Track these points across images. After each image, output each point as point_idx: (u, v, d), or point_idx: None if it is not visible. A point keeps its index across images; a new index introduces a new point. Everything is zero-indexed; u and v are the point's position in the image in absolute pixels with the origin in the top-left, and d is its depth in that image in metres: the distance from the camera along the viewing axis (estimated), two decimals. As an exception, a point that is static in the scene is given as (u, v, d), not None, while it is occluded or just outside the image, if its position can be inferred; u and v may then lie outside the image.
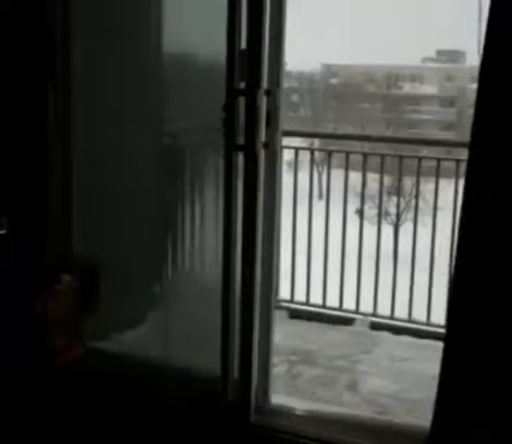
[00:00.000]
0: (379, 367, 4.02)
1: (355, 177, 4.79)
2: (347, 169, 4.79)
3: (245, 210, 2.84)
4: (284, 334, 3.79)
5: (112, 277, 3.19)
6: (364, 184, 4.81)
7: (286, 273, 4.80)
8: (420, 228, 4.73)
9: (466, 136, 2.31)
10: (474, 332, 2.35)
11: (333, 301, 4.77)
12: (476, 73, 2.28)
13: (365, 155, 4.78)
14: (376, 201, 5.09)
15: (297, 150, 4.90)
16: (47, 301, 3.05)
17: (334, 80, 11.20)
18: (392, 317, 4.62)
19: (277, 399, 3.04)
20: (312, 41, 9.22)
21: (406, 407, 3.51)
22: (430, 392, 2.46)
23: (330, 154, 5.16)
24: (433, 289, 4.54)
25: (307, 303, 4.84)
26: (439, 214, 4.65)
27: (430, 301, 4.57)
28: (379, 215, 4.95)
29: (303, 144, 5.82)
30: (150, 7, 3.31)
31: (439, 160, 4.68)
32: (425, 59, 10.59)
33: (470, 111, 2.30)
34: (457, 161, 4.49)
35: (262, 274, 2.90)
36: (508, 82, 2.22)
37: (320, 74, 11.20)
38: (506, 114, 2.24)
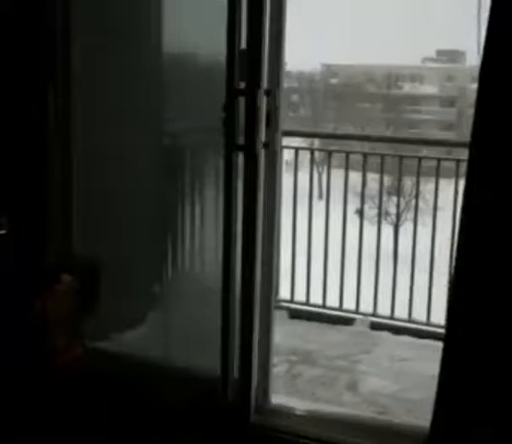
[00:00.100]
0: (379, 367, 4.02)
1: (355, 177, 4.79)
2: (347, 169, 4.79)
3: (245, 210, 2.84)
4: (284, 334, 3.79)
5: (112, 277, 3.19)
6: (364, 184, 4.81)
7: (286, 273, 4.80)
8: (420, 228, 4.73)
9: (466, 136, 2.31)
10: (474, 332, 2.35)
11: (333, 301, 4.77)
12: (476, 73, 2.27)
13: (365, 155, 4.78)
14: (376, 201, 5.09)
15: (297, 150, 4.91)
16: (47, 301, 3.05)
17: (334, 80, 11.20)
18: (392, 317, 4.62)
19: (277, 399, 3.04)
20: (312, 41, 9.22)
21: (406, 407, 3.51)
22: (430, 392, 2.46)
23: (330, 154, 5.16)
24: (433, 289, 4.54)
25: (307, 303, 4.84)
26: (439, 214, 4.65)
27: (430, 301, 4.57)
28: (379, 215, 4.95)
29: (303, 144, 5.82)
30: (150, 7, 3.31)
31: (439, 160, 4.68)
32: (425, 59, 10.59)
33: (471, 111, 2.30)
34: (457, 161, 4.49)
35: (262, 274, 2.90)
36: (508, 82, 2.22)
37: (320, 74, 11.20)
38: (507, 114, 2.24)
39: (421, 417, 2.57)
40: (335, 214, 4.77)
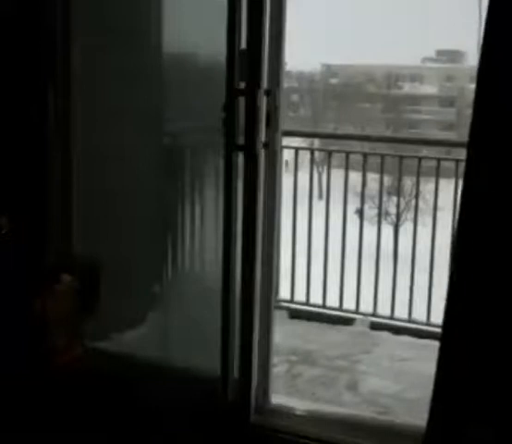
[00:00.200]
0: (379, 367, 4.02)
1: (355, 177, 4.79)
2: (347, 169, 4.79)
3: (245, 210, 2.84)
4: (284, 334, 3.79)
5: (112, 277, 3.19)
6: (364, 184, 4.81)
7: (286, 273, 4.80)
8: (420, 228, 4.73)
9: (466, 136, 2.31)
10: (470, 331, 2.35)
11: (333, 301, 4.77)
12: (476, 73, 2.27)
13: (365, 155, 4.78)
14: (376, 201, 5.09)
15: (297, 150, 4.91)
16: (47, 301, 3.05)
17: (334, 80, 11.21)
18: (392, 317, 4.62)
19: (277, 399, 3.04)
20: (312, 41, 9.24)
21: (406, 407, 3.51)
22: (430, 392, 2.45)
23: (330, 154, 5.17)
24: (433, 289, 4.54)
25: (307, 303, 4.84)
26: (439, 214, 4.65)
27: (430, 301, 4.57)
28: (379, 215, 4.96)
29: (303, 144, 5.82)
30: (150, 7, 3.31)
31: (439, 160, 4.68)
32: (425, 59, 10.60)
33: (470, 111, 2.30)
34: (457, 161, 4.49)
35: (262, 274, 2.90)
36: (506, 82, 2.22)
37: (320, 74, 11.21)
38: (505, 114, 2.24)
39: (421, 417, 2.57)
40: (334, 214, 4.77)
